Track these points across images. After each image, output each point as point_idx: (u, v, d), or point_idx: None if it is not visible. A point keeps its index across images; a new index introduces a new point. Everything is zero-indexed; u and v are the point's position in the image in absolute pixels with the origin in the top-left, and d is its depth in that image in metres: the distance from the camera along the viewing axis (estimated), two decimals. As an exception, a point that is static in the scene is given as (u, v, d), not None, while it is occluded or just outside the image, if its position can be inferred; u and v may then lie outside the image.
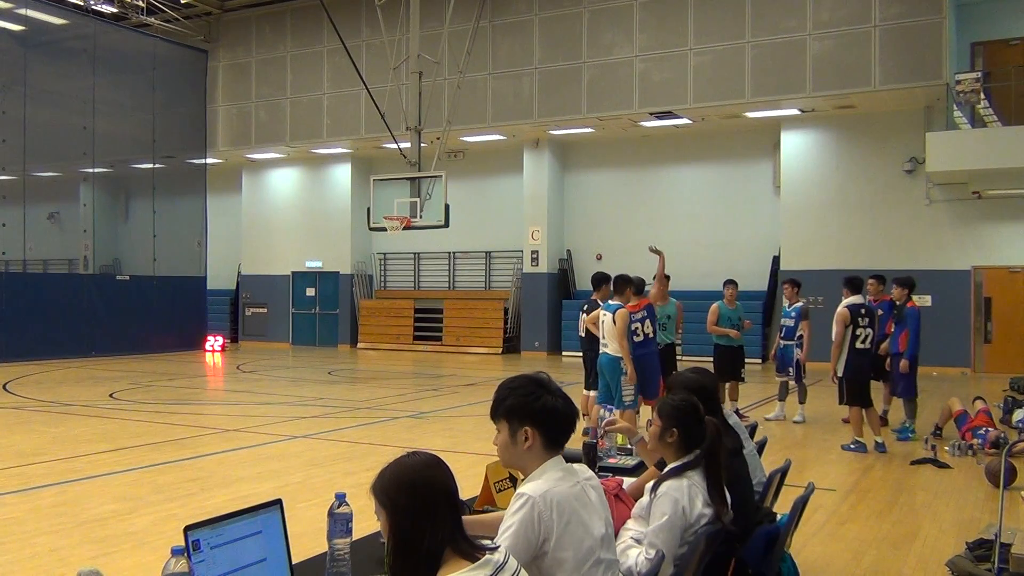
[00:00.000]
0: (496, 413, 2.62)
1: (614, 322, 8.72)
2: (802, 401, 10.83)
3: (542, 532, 2.41)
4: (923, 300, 17.55)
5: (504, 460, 2.67)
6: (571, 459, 2.86)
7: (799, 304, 11.14)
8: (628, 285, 9.00)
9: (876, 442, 8.82)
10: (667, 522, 3.07)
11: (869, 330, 8.97)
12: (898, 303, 10.03)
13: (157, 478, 7.43)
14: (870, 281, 10.38)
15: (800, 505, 3.72)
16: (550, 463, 2.56)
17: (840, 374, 8.98)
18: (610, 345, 8.79)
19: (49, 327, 19.29)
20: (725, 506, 3.21)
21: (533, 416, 2.54)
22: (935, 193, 17.55)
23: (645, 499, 3.24)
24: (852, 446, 8.83)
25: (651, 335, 9.07)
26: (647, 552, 3.06)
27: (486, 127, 20.57)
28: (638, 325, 9.08)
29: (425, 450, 2.18)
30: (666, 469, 3.32)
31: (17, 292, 19.00)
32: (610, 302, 9.04)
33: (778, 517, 3.77)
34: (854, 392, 8.93)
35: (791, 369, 10.86)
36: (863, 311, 9.01)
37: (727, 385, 10.91)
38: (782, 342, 11.16)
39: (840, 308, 9.12)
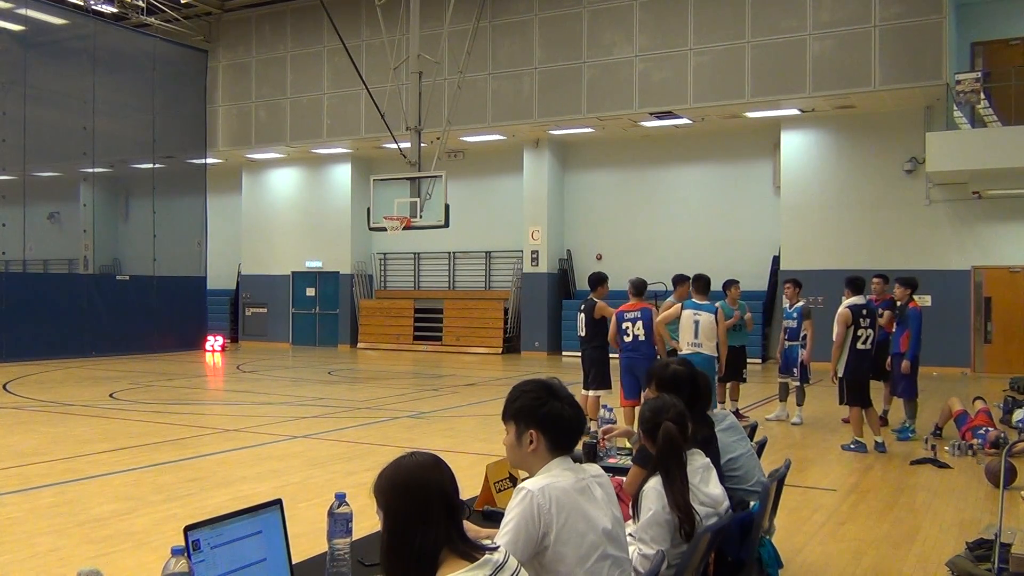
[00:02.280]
0: (505, 414, 2.67)
1: (716, 321, 8.81)
2: (800, 403, 10.80)
3: (542, 525, 2.42)
4: (923, 300, 17.53)
5: (511, 460, 2.75)
6: (572, 459, 2.87)
7: (800, 304, 11.09)
8: (709, 284, 9.20)
9: (876, 442, 8.82)
10: (652, 517, 3.07)
11: (870, 331, 8.97)
12: (900, 303, 10.03)
13: (157, 478, 7.43)
14: (874, 280, 10.39)
15: (774, 482, 3.70)
16: (555, 461, 2.60)
17: (840, 374, 8.97)
18: (705, 345, 8.79)
19: (49, 327, 19.29)
20: (689, 518, 3.11)
21: (539, 420, 2.59)
22: (935, 193, 17.55)
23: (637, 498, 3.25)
24: (852, 446, 8.83)
25: (641, 337, 9.04)
26: (641, 548, 3.06)
27: (486, 127, 20.57)
28: (628, 325, 9.05)
29: (426, 451, 2.18)
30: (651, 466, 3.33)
31: (17, 292, 18.99)
32: (695, 300, 9.05)
33: (751, 505, 3.75)
34: (854, 392, 8.92)
35: (795, 370, 10.81)
36: (864, 311, 9.01)
37: (728, 385, 10.90)
38: (787, 343, 11.12)
39: (841, 308, 9.10)
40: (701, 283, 9.22)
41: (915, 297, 10.08)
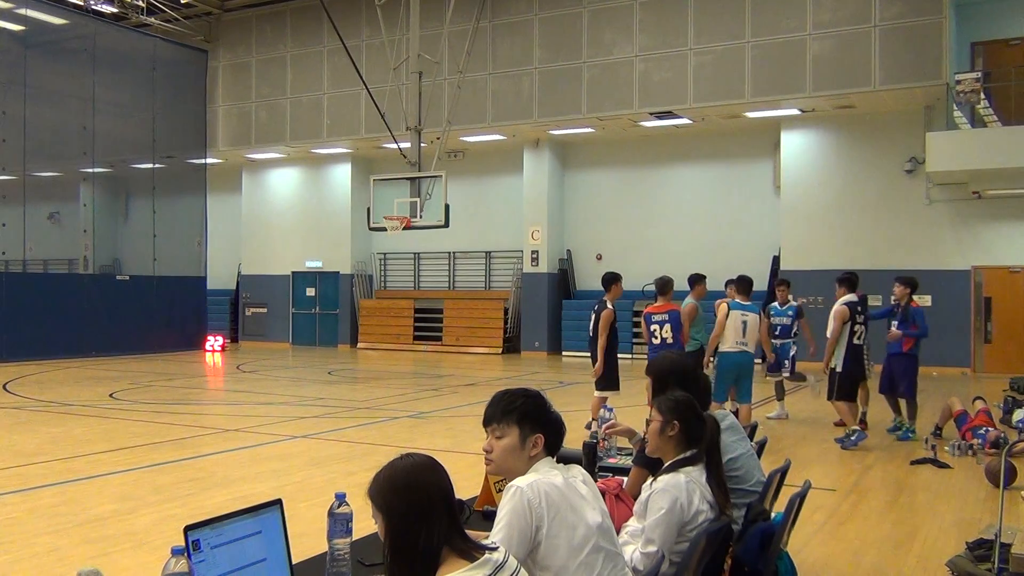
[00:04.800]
0: (506, 416, 2.69)
1: (759, 320, 9.29)
2: (780, 398, 10.92)
3: (534, 520, 2.46)
4: (923, 300, 17.52)
5: (503, 464, 2.71)
6: (571, 459, 2.88)
7: (794, 303, 11.24)
8: (752, 285, 9.57)
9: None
10: (664, 516, 3.07)
11: (863, 326, 9.25)
12: (901, 303, 10.00)
13: (157, 478, 7.43)
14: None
15: (797, 502, 3.71)
16: (542, 462, 2.67)
17: (839, 369, 9.11)
18: (750, 344, 9.16)
19: (49, 327, 19.28)
20: (728, 500, 3.24)
21: (544, 425, 2.70)
22: (935, 193, 17.55)
23: (644, 495, 3.25)
24: (853, 438, 8.93)
25: (669, 340, 9.07)
26: (643, 547, 3.06)
27: (486, 127, 20.57)
28: (656, 327, 9.09)
29: (420, 451, 2.19)
30: (666, 464, 3.33)
31: (17, 292, 18.98)
32: (740, 301, 9.29)
33: (773, 515, 3.76)
34: (847, 386, 9.13)
35: (786, 362, 10.93)
36: (859, 307, 9.26)
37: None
38: (777, 341, 11.17)
39: (839, 306, 9.25)
40: (745, 284, 9.49)
41: (915, 297, 10.07)
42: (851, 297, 9.29)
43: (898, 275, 10.46)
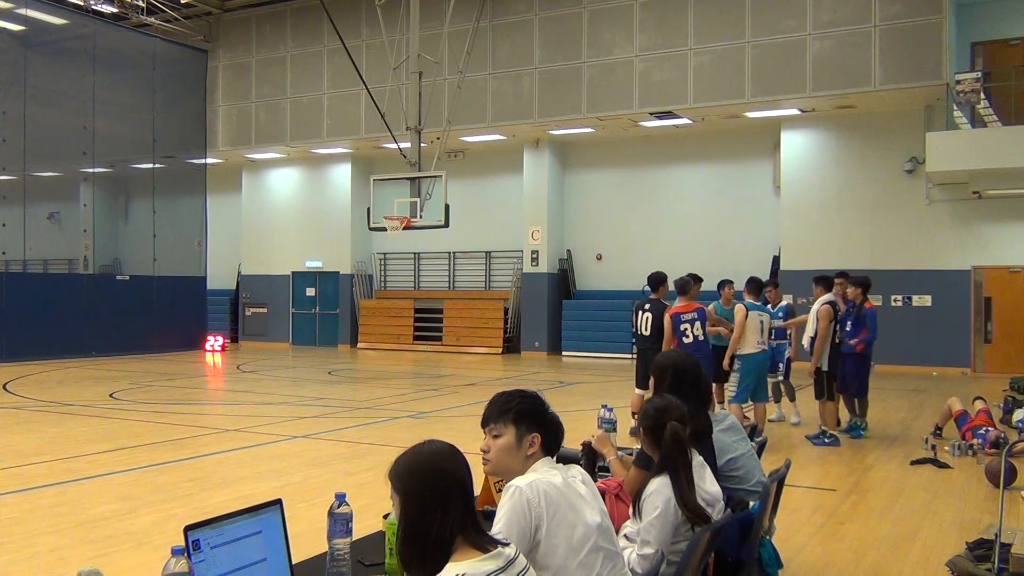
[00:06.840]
0: (503, 416, 2.71)
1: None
2: (792, 399, 10.87)
3: (533, 520, 2.46)
4: (923, 300, 17.59)
5: (500, 463, 2.72)
6: (570, 459, 2.89)
7: (784, 304, 11.27)
8: (761, 286, 9.69)
9: (833, 434, 9.24)
10: (658, 518, 3.06)
11: (838, 326, 9.41)
12: (856, 303, 9.95)
13: (157, 478, 7.43)
14: (838, 281, 10.55)
15: (775, 482, 3.70)
16: (541, 462, 2.68)
17: (825, 369, 9.20)
18: (766, 343, 9.40)
19: (49, 327, 19.28)
20: (697, 512, 3.13)
21: (542, 424, 2.71)
22: (935, 193, 17.55)
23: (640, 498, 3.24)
24: (827, 440, 9.05)
25: (700, 337, 9.13)
26: (640, 549, 3.05)
27: (486, 127, 20.57)
28: (687, 326, 9.12)
29: (443, 440, 2.19)
30: (654, 468, 3.32)
31: (17, 292, 18.98)
32: (752, 301, 9.37)
33: (750, 505, 3.76)
34: (832, 386, 9.22)
35: (781, 366, 10.88)
36: (836, 308, 9.40)
37: (726, 386, 10.90)
38: (774, 342, 11.14)
39: (823, 306, 9.31)
40: (754, 285, 9.58)
41: (868, 297, 10.07)
42: (829, 296, 9.42)
43: (853, 276, 10.34)
